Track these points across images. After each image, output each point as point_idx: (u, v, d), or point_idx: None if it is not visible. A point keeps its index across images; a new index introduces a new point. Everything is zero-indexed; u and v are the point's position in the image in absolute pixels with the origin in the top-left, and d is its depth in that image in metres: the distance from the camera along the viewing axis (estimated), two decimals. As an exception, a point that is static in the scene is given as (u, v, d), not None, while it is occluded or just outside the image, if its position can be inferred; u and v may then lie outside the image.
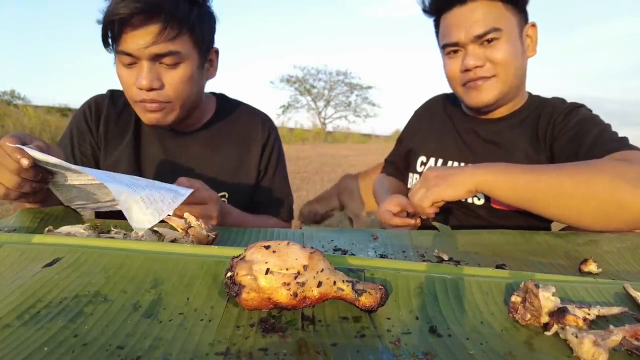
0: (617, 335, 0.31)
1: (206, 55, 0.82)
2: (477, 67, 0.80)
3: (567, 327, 0.32)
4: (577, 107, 0.82)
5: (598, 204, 0.59)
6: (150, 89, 0.74)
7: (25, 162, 0.53)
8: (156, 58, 0.73)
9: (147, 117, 0.79)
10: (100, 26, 0.74)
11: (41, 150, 0.55)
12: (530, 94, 0.91)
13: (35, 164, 0.55)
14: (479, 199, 0.86)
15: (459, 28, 0.80)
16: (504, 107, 0.88)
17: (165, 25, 0.71)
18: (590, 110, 0.82)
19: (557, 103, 0.85)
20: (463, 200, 0.86)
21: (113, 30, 0.72)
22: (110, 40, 0.75)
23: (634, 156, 0.65)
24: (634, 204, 0.57)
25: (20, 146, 0.53)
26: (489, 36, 0.78)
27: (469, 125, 0.92)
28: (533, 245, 0.59)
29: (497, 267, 0.48)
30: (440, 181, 0.70)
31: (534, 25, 0.83)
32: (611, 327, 0.32)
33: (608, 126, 0.77)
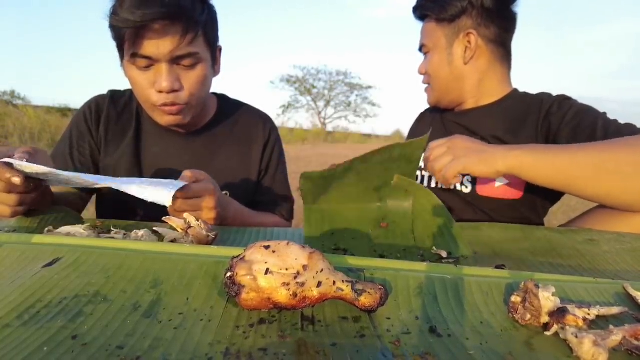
0: (617, 335, 0.31)
1: (215, 54, 0.83)
2: (422, 74, 0.97)
3: (567, 327, 0.32)
4: (568, 99, 0.85)
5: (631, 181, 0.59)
6: (171, 91, 0.74)
7: (17, 180, 0.53)
8: (175, 60, 0.73)
9: (166, 120, 0.79)
10: (111, 29, 0.73)
11: (27, 158, 0.55)
12: (515, 90, 0.94)
13: (26, 178, 0.55)
14: (466, 187, 0.89)
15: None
16: (470, 101, 0.94)
17: (187, 28, 0.71)
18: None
19: (546, 96, 0.89)
20: (452, 187, 0.91)
21: (130, 34, 0.70)
22: (120, 43, 0.74)
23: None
24: None
25: (6, 160, 0.53)
26: (423, 50, 0.95)
27: (451, 117, 0.99)
28: (533, 242, 0.59)
29: (497, 267, 0.48)
30: (470, 153, 0.68)
31: (469, 33, 0.88)
32: (611, 327, 0.32)
33: (605, 114, 0.79)
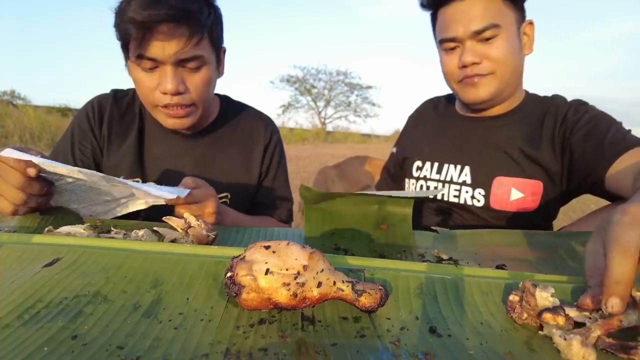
0: (595, 332, 0.31)
1: (219, 56, 0.83)
2: (474, 63, 0.79)
3: (554, 330, 0.32)
4: (584, 104, 0.82)
5: None
6: (176, 93, 0.74)
7: (32, 171, 0.53)
8: (180, 62, 0.73)
9: (170, 122, 0.79)
10: (117, 28, 0.73)
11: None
12: (527, 92, 0.90)
13: (40, 176, 0.55)
14: (478, 201, 0.85)
15: (457, 23, 0.78)
16: (500, 105, 0.86)
17: (192, 31, 0.71)
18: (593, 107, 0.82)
19: (561, 100, 0.85)
20: (462, 202, 0.86)
21: (136, 35, 0.70)
22: (125, 44, 0.74)
23: None
24: None
25: (19, 152, 0.53)
26: (488, 33, 0.77)
27: (464, 126, 0.91)
28: (533, 246, 0.59)
29: (497, 267, 0.48)
30: None
31: (531, 23, 0.82)
32: (587, 323, 0.32)
33: (620, 123, 0.76)
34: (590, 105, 0.81)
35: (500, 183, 0.83)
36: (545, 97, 0.88)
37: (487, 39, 0.77)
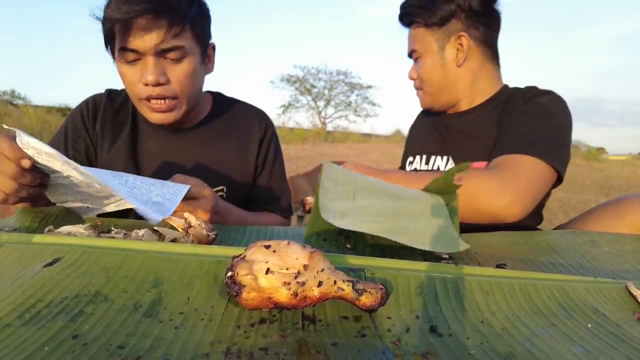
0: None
1: (205, 50, 0.83)
2: (413, 79, 0.99)
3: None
4: (541, 95, 0.84)
5: (470, 207, 0.69)
6: (157, 84, 0.74)
7: (26, 163, 0.53)
8: (161, 53, 0.74)
9: (154, 117, 0.79)
10: (102, 26, 0.74)
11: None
12: (505, 86, 0.96)
13: (34, 167, 0.55)
14: None
15: (408, 44, 0.98)
16: (464, 102, 0.95)
17: (171, 22, 0.72)
18: (560, 99, 0.84)
19: (526, 89, 0.89)
20: None
21: (117, 29, 0.71)
22: (110, 38, 0.75)
23: (512, 162, 0.74)
24: (490, 209, 0.69)
25: (20, 133, 0.52)
26: (414, 55, 0.96)
27: (443, 121, 1.01)
28: (533, 245, 0.59)
29: (498, 266, 0.48)
30: None
31: (461, 36, 0.90)
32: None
33: (552, 127, 0.79)
34: (543, 98, 0.84)
35: (476, 168, 0.87)
36: (517, 88, 0.93)
37: (416, 60, 0.96)
